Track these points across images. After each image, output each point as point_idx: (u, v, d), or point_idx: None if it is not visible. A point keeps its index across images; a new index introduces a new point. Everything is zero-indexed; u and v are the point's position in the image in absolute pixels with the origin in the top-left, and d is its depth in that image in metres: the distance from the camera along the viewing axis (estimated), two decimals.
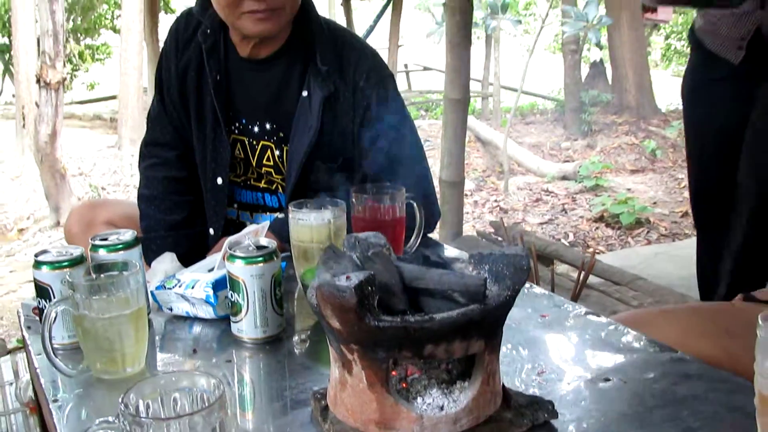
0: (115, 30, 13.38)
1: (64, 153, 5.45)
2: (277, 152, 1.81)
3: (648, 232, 4.87)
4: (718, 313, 1.40)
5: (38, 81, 4.82)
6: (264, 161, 1.83)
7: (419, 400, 0.92)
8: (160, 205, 1.91)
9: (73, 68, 12.01)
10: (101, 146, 8.74)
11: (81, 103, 12.41)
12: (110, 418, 0.80)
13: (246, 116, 1.82)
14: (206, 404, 0.79)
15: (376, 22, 11.96)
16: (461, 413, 0.92)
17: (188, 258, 1.63)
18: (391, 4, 12.22)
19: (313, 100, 1.72)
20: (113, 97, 12.32)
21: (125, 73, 8.38)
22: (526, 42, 15.21)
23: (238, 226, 1.86)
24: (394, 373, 0.93)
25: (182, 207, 1.91)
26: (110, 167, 7.76)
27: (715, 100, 2.18)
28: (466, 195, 5.52)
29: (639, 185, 5.97)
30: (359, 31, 13.24)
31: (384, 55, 12.87)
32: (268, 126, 1.81)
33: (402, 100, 1.83)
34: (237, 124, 1.83)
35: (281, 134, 1.79)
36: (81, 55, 12.50)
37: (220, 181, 1.82)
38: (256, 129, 1.82)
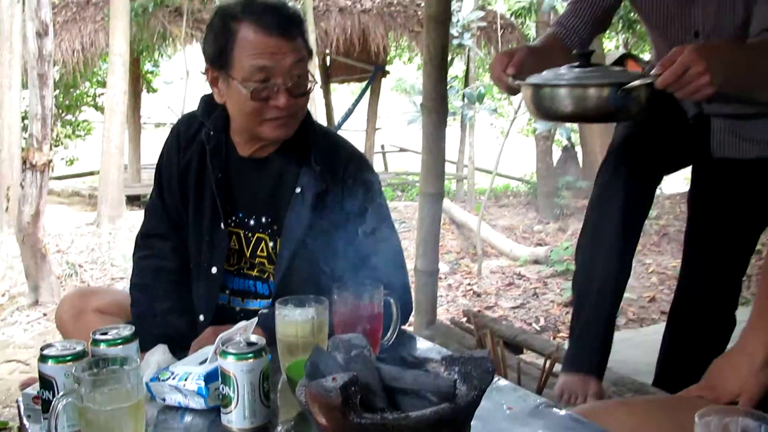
0: (96, 107, 13.63)
1: (44, 232, 5.53)
2: (270, 244, 1.94)
3: (625, 322, 5.01)
4: (674, 407, 1.51)
5: (24, 162, 4.94)
6: (258, 252, 1.96)
7: None
8: (152, 293, 2.01)
9: (53, 143, 12.13)
10: (79, 223, 8.81)
11: (59, 178, 12.52)
12: None
13: (243, 210, 1.96)
14: None
15: (354, 106, 12.32)
16: None
17: (177, 343, 1.74)
18: (369, 89, 12.63)
19: (305, 197, 1.87)
20: (92, 173, 12.48)
21: (107, 152, 8.53)
22: (500, 124, 15.65)
23: (229, 312, 1.97)
24: None
25: (173, 296, 2.01)
26: (88, 245, 7.81)
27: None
28: (441, 278, 5.65)
29: None
30: (338, 113, 13.60)
31: (362, 138, 13.15)
32: (263, 219, 1.95)
33: (385, 201, 1.99)
34: (234, 218, 1.97)
35: (275, 227, 1.93)
36: (66, 135, 12.66)
37: (215, 270, 1.94)
38: (252, 222, 1.96)
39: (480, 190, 10.44)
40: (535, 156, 9.29)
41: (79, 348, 1.35)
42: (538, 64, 1.95)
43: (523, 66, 1.95)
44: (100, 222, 8.47)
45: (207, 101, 1.98)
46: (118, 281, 6.75)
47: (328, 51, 10.85)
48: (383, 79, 13.38)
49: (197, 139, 1.98)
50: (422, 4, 8.49)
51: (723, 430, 1.00)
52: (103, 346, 1.40)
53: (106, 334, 1.42)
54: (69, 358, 1.33)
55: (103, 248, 7.68)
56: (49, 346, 1.36)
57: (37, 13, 4.73)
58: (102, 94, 13.06)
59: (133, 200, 10.50)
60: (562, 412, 1.44)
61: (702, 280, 2.36)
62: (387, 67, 13.17)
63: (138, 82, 11.76)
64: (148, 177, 11.53)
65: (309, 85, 1.86)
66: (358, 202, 1.86)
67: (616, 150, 2.27)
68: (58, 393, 1.30)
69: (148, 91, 13.62)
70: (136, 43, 9.61)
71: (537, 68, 1.92)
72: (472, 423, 1.10)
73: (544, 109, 1.82)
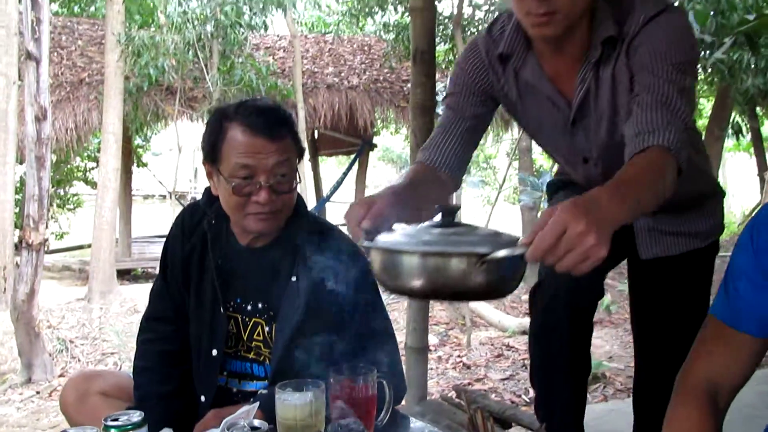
0: (86, 182, 13.78)
1: (38, 309, 5.60)
2: (267, 329, 2.04)
3: (604, 387, 5.09)
4: None
5: (20, 242, 5.05)
6: (254, 336, 2.06)
7: None
8: (154, 376, 2.10)
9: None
10: (70, 298, 8.86)
11: (49, 252, 12.57)
12: None
13: (241, 296, 2.07)
14: None
15: (343, 178, 12.52)
16: None
17: (180, 425, 1.83)
18: (356, 162, 12.87)
19: (300, 285, 1.98)
20: (81, 247, 12.54)
21: (99, 228, 8.64)
22: (486, 193, 15.89)
23: (227, 393, 2.07)
24: None
25: (175, 378, 2.11)
26: (79, 320, 7.84)
27: None
28: (430, 350, 5.73)
29: (596, 339, 6.21)
30: (326, 184, 13.81)
31: None
32: (260, 305, 2.05)
33: (375, 284, 2.08)
34: (232, 303, 2.07)
35: (271, 313, 2.04)
36: (56, 210, 12.76)
37: (215, 352, 2.04)
38: (249, 307, 2.06)
39: None
40: (521, 226, 9.46)
41: None
42: (405, 209, 1.58)
43: (385, 216, 1.54)
44: (91, 297, 8.52)
45: (209, 192, 2.11)
46: (109, 356, 6.79)
47: (316, 125, 11.07)
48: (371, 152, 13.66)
49: (200, 228, 2.10)
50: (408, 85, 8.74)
51: None
52: (114, 431, 1.49)
53: (117, 420, 1.52)
54: None
55: (94, 323, 7.72)
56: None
57: (37, 98, 4.91)
58: (92, 168, 13.25)
59: (123, 274, 10.55)
60: None
61: (653, 363, 2.30)
62: (374, 139, 13.43)
63: (129, 157, 11.94)
64: (138, 251, 11.67)
65: (294, 183, 1.99)
66: (351, 291, 1.96)
67: (547, 274, 2.04)
68: None
69: (138, 166, 13.82)
70: (129, 121, 9.80)
71: (407, 213, 1.56)
72: None
73: (392, 281, 1.39)
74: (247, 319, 2.07)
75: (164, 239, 2.24)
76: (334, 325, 1.96)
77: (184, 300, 2.13)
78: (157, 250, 11.51)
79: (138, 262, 11.31)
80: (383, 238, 1.41)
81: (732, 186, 18.76)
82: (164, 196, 18.61)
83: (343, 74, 11.30)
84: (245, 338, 2.07)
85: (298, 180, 2.01)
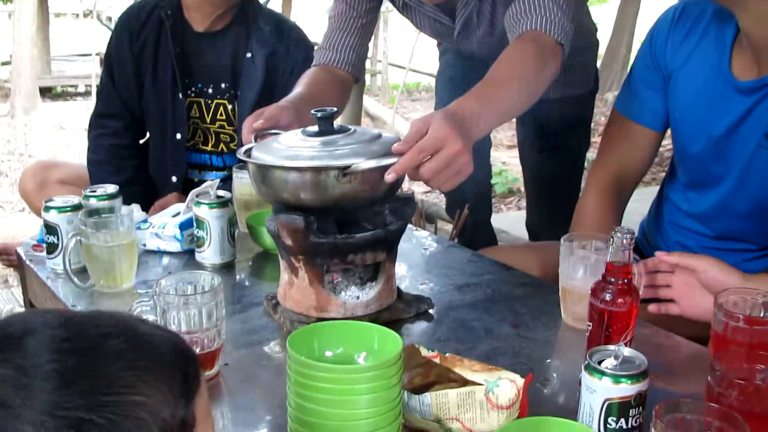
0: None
1: None
2: (230, 107, 2.26)
3: (519, 200, 5.49)
4: (546, 248, 1.92)
5: None
6: (218, 116, 2.27)
7: (343, 293, 1.39)
8: (108, 168, 2.30)
9: None
10: None
11: None
12: (145, 299, 1.22)
13: (202, 81, 2.26)
14: (210, 289, 1.22)
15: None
16: (371, 301, 1.39)
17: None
18: None
19: (256, 60, 2.19)
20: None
21: (19, 42, 8.41)
22: None
23: (189, 183, 2.30)
24: (326, 277, 1.39)
25: (127, 169, 2.31)
26: (3, 136, 7.79)
27: None
28: None
29: (513, 159, 6.57)
30: None
31: None
32: (222, 86, 2.25)
33: None
34: (194, 88, 2.27)
35: (233, 91, 2.25)
36: None
37: (179, 136, 2.25)
38: (210, 90, 2.26)
39: (393, 86, 10.72)
40: None
41: (76, 201, 1.65)
42: (304, 115, 1.55)
43: (282, 122, 1.55)
44: (14, 113, 8.41)
45: None
46: None
47: None
48: None
49: (150, 23, 2.24)
50: None
51: (581, 248, 1.39)
52: (93, 200, 1.69)
53: (95, 191, 1.72)
54: (69, 208, 1.62)
55: (20, 139, 7.68)
56: (50, 200, 1.65)
57: None
58: None
59: (44, 92, 10.33)
60: (469, 252, 1.82)
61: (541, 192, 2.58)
62: None
63: None
64: (57, 69, 11.36)
65: None
66: (297, 68, 2.15)
67: None
68: (62, 236, 1.60)
69: None
70: None
71: (306, 118, 1.48)
72: (398, 253, 1.46)
73: (263, 193, 1.41)
74: (209, 102, 2.27)
75: (85, 57, 2.39)
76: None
77: (132, 95, 2.28)
78: (76, 68, 11.28)
79: (58, 80, 11.05)
80: (257, 150, 1.39)
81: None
82: (77, 15, 17.79)
83: None
84: (209, 120, 2.26)
85: None
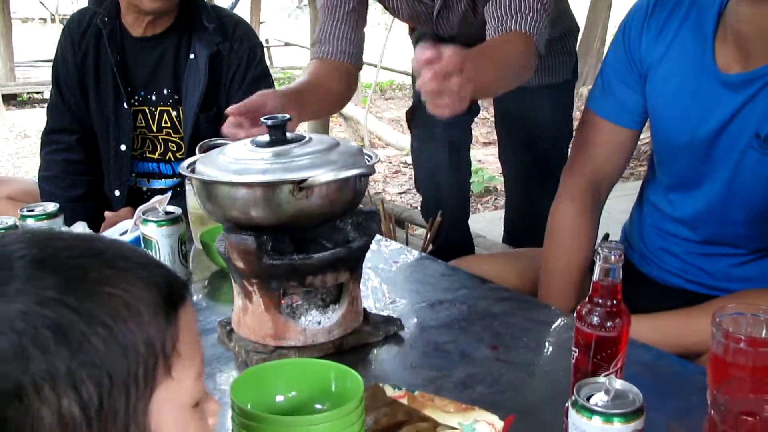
0: None
1: None
2: (174, 113, 2.11)
3: (495, 198, 5.38)
4: (525, 256, 1.80)
5: None
6: (163, 124, 2.12)
7: (303, 318, 1.26)
8: (60, 183, 2.15)
9: None
10: None
11: None
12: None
13: (144, 88, 2.11)
14: None
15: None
16: (333, 326, 1.27)
17: (91, 224, 1.90)
18: None
19: (199, 61, 2.05)
20: None
21: None
22: (384, 19, 15.63)
23: (137, 192, 2.17)
24: (282, 301, 1.26)
25: (80, 184, 2.16)
26: None
27: None
28: None
29: (489, 156, 6.48)
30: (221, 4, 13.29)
31: None
32: (165, 92, 2.11)
33: (267, 66, 2.19)
34: (137, 97, 2.12)
35: (176, 96, 2.10)
36: None
37: (123, 147, 2.10)
38: (154, 97, 2.12)
39: (365, 85, 10.58)
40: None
41: (10, 222, 1.50)
42: (302, 109, 1.57)
43: (267, 106, 1.46)
44: None
45: None
46: None
47: None
48: None
49: (90, 30, 2.10)
50: None
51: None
52: (30, 220, 1.55)
53: (32, 210, 1.57)
54: (2, 229, 1.48)
55: None
56: None
57: None
58: None
59: (9, 99, 10.09)
60: (440, 264, 1.70)
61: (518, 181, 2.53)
62: None
63: None
64: (22, 75, 11.10)
65: None
66: (242, 66, 2.06)
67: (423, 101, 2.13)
68: None
69: None
70: None
71: (306, 111, 1.59)
72: (364, 271, 1.33)
73: (211, 211, 1.27)
74: (153, 110, 2.12)
75: (51, 63, 2.22)
76: (232, 96, 2.04)
77: (80, 108, 2.14)
78: (42, 74, 11.03)
79: (23, 87, 10.79)
80: (201, 164, 1.24)
81: None
82: (44, 20, 17.52)
83: None
84: (155, 129, 2.12)
85: None
